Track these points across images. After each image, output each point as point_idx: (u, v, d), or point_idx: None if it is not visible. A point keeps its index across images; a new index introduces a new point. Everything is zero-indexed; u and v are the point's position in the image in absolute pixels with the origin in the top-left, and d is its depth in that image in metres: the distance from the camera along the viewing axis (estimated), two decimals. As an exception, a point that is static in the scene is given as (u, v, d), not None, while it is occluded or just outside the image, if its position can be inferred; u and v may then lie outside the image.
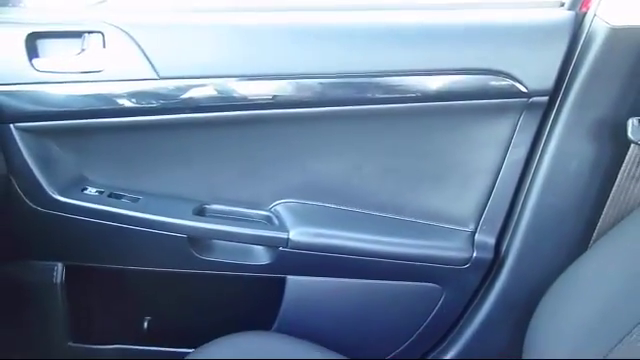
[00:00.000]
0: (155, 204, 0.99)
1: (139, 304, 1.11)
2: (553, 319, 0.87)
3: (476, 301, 1.04)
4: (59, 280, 1.03)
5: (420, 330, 1.05)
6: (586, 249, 0.89)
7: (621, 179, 0.87)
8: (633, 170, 0.86)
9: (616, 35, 0.86)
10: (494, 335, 1.03)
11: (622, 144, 0.87)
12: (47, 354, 1.09)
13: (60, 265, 1.03)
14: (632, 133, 0.85)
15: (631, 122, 0.85)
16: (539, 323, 0.89)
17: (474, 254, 1.00)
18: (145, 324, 1.12)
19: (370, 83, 0.94)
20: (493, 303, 1.02)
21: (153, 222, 0.97)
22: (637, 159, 0.86)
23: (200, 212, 1.00)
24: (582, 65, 0.89)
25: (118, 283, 1.07)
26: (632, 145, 0.85)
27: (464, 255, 1.00)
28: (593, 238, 0.91)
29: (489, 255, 1.01)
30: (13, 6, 0.99)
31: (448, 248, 1.01)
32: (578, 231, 0.94)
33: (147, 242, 0.98)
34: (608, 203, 0.89)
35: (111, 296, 1.10)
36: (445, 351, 1.07)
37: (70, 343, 1.08)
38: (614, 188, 0.88)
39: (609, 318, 0.77)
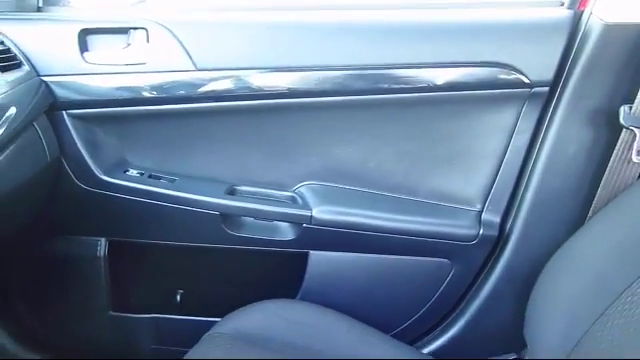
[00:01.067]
0: (190, 184, 1.09)
1: (174, 277, 1.21)
2: (551, 289, 0.95)
3: (483, 275, 1.13)
4: (102, 254, 1.13)
5: (431, 302, 1.14)
6: (582, 225, 0.97)
7: (614, 161, 0.96)
8: (625, 153, 0.95)
9: (610, 31, 0.95)
10: (499, 306, 1.11)
11: (615, 129, 0.95)
12: (90, 322, 1.19)
13: (103, 240, 1.13)
14: (624, 119, 0.93)
15: (623, 109, 0.94)
16: (539, 293, 0.98)
17: (481, 231, 1.09)
18: (178, 296, 1.23)
19: (385, 75, 1.03)
20: (498, 276, 1.10)
21: (189, 200, 1.07)
22: (628, 143, 0.94)
23: (231, 192, 1.10)
24: (579, 58, 0.98)
25: (156, 257, 1.18)
26: (624, 130, 0.94)
27: (472, 232, 1.09)
28: (589, 215, 0.99)
29: (494, 232, 1.09)
30: (64, 5, 1.10)
31: (457, 226, 1.09)
32: (575, 209, 1.02)
33: (183, 219, 1.08)
34: (602, 183, 0.97)
35: (149, 269, 1.20)
36: (454, 321, 1.15)
37: (111, 312, 1.18)
38: (608, 170, 0.96)
39: (601, 285, 0.85)
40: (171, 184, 1.08)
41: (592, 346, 0.82)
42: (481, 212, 1.11)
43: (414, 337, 1.17)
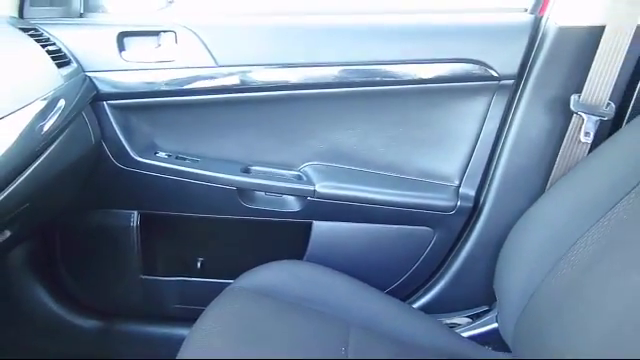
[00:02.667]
0: (211, 164, 1.28)
1: (196, 244, 1.39)
2: (516, 248, 1.12)
3: (461, 240, 1.31)
4: (135, 225, 1.32)
5: (417, 264, 1.32)
6: (542, 194, 1.15)
7: (567, 141, 1.14)
8: (575, 134, 1.13)
9: (563, 33, 1.13)
10: (475, 266, 1.28)
11: (567, 115, 1.14)
12: (123, 284, 1.37)
13: (136, 213, 1.32)
14: (573, 106, 1.12)
15: (573, 98, 1.12)
16: (505, 253, 1.15)
17: (458, 203, 1.27)
18: (199, 263, 1.41)
19: (376, 70, 1.22)
20: (474, 241, 1.28)
21: (209, 177, 1.25)
22: (578, 126, 1.13)
23: (246, 170, 1.29)
24: (539, 55, 1.16)
25: (180, 227, 1.36)
26: (574, 115, 1.13)
27: (450, 204, 1.27)
28: (547, 186, 1.17)
29: (470, 204, 1.28)
30: (102, 12, 1.29)
31: (438, 198, 1.28)
32: (537, 182, 1.20)
33: (204, 193, 1.26)
34: (558, 160, 1.15)
35: (174, 238, 1.39)
36: (438, 280, 1.33)
37: (141, 275, 1.36)
38: (562, 148, 1.15)
39: (556, 241, 1.01)
40: (194, 164, 1.27)
41: (546, 292, 1.00)
42: (458, 186, 1.29)
43: (405, 294, 1.35)
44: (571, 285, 0.96)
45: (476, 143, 1.26)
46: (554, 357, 0.91)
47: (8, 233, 0.97)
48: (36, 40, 1.10)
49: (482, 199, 1.27)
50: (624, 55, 1.08)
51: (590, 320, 0.86)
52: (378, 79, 1.22)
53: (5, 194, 0.83)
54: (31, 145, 0.91)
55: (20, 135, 0.87)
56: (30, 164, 0.91)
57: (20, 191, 0.87)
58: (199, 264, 1.40)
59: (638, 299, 0.80)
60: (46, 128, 0.95)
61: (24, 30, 1.11)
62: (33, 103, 0.93)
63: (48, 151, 0.97)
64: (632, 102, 1.16)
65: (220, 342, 0.96)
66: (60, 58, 1.13)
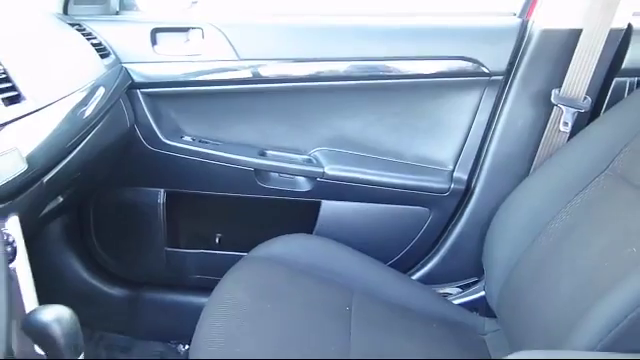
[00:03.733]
0: (231, 147, 1.42)
1: (216, 219, 1.54)
2: (501, 227, 1.26)
3: (454, 220, 1.45)
4: (161, 202, 1.47)
5: (414, 240, 1.46)
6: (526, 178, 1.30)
7: (548, 130, 1.29)
8: (556, 124, 1.28)
9: (546, 34, 1.28)
10: (466, 243, 1.42)
11: (549, 107, 1.28)
12: (150, 255, 1.52)
13: (162, 191, 1.47)
14: (554, 99, 1.27)
15: (554, 92, 1.27)
16: (492, 231, 1.29)
17: (452, 186, 1.41)
18: (217, 239, 1.56)
19: (379, 65, 1.37)
20: (465, 220, 1.42)
21: (229, 159, 1.40)
22: (558, 117, 1.27)
23: (262, 154, 1.44)
24: (525, 54, 1.30)
25: (202, 204, 1.51)
26: (554, 107, 1.28)
27: (445, 186, 1.42)
28: (531, 171, 1.32)
29: (462, 186, 1.42)
30: (136, 10, 1.44)
31: (434, 181, 1.42)
32: (522, 167, 1.34)
33: (225, 174, 1.41)
34: (540, 147, 1.30)
35: (196, 214, 1.54)
36: (434, 255, 1.47)
37: (166, 248, 1.51)
38: (544, 137, 1.29)
39: (536, 219, 1.16)
40: (216, 147, 1.42)
41: (527, 262, 1.14)
42: (452, 171, 1.43)
43: (404, 267, 1.49)
44: (547, 254, 1.10)
45: (468, 132, 1.41)
46: (532, 314, 1.06)
47: (61, 199, 1.12)
48: (82, 34, 1.25)
49: (473, 182, 1.41)
50: (599, 55, 1.23)
51: (562, 279, 1.01)
52: (381, 74, 1.37)
53: (63, 164, 0.98)
54: (79, 125, 1.05)
55: (72, 114, 1.01)
56: (80, 142, 1.06)
57: (74, 163, 1.02)
58: (218, 238, 1.55)
59: (602, 259, 0.95)
60: (89, 112, 1.10)
61: (71, 25, 1.26)
62: (83, 88, 1.08)
63: (94, 130, 1.12)
64: (607, 97, 1.31)
65: (243, 295, 1.11)
66: (101, 50, 1.28)
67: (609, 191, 1.08)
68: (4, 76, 0.84)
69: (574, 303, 0.93)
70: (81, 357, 0.74)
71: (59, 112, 0.98)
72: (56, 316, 0.70)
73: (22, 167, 0.76)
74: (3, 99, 0.80)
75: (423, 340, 1.17)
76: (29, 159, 0.80)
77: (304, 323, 1.08)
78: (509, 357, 0.74)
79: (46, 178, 0.91)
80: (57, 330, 0.70)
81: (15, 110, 0.82)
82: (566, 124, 1.27)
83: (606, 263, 0.93)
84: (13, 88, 0.84)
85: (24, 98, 0.85)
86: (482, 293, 1.35)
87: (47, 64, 1.04)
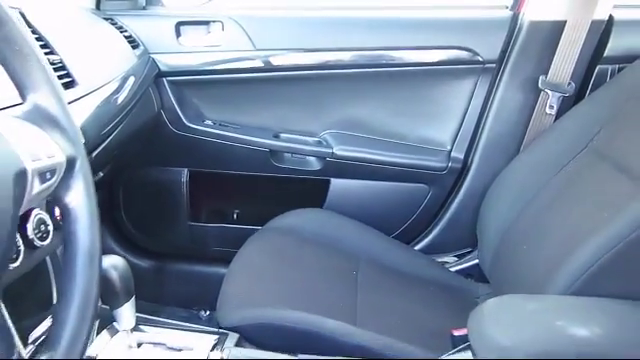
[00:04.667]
0: (248, 130, 1.56)
1: (235, 196, 1.69)
2: (493, 201, 1.39)
3: (451, 195, 1.58)
4: (185, 180, 1.61)
5: (416, 214, 1.60)
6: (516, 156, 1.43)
7: (536, 113, 1.42)
8: (543, 108, 1.41)
9: (535, 26, 1.41)
10: (462, 216, 1.55)
11: (537, 92, 1.42)
12: (174, 229, 1.66)
13: (186, 170, 1.61)
14: (541, 84, 1.40)
15: (541, 78, 1.41)
16: (485, 205, 1.41)
17: (449, 164, 1.55)
18: (235, 214, 1.71)
19: (383, 55, 1.51)
20: (462, 196, 1.55)
21: (247, 141, 1.54)
22: (544, 101, 1.41)
23: (276, 136, 1.57)
24: (516, 44, 1.44)
25: (222, 182, 1.65)
26: (541, 92, 1.41)
27: (443, 165, 1.55)
28: (520, 150, 1.45)
29: (459, 165, 1.55)
30: (161, 5, 1.57)
31: (433, 160, 1.55)
32: (512, 147, 1.47)
33: (243, 154, 1.55)
34: (529, 128, 1.43)
35: (216, 191, 1.68)
36: (433, 228, 1.60)
37: (189, 222, 1.66)
38: (532, 119, 1.43)
39: (522, 193, 1.28)
40: (235, 130, 1.56)
41: (515, 230, 1.27)
42: (450, 151, 1.56)
43: (406, 239, 1.61)
44: (533, 222, 1.23)
45: (465, 115, 1.54)
46: (519, 275, 1.19)
47: (101, 174, 1.26)
48: (115, 27, 1.39)
49: (469, 161, 1.55)
50: (582, 44, 1.36)
51: (544, 242, 1.14)
52: (384, 62, 1.51)
53: (106, 142, 1.12)
54: (116, 109, 1.19)
55: (111, 99, 1.16)
56: (119, 124, 1.20)
57: (113, 142, 1.16)
58: (235, 214, 1.69)
59: (579, 223, 1.07)
60: (122, 98, 1.23)
61: (104, 19, 1.40)
62: (118, 77, 1.23)
63: (130, 114, 1.26)
64: (591, 83, 1.44)
65: (260, 260, 1.26)
66: (131, 42, 1.42)
67: (588, 166, 1.21)
68: (61, 65, 0.98)
69: (552, 260, 1.05)
70: (132, 298, 0.88)
71: (101, 97, 1.12)
72: (112, 263, 0.85)
73: (82, 141, 0.90)
74: (62, 84, 0.94)
75: (422, 302, 1.30)
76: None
77: (316, 283, 1.22)
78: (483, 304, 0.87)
79: (94, 154, 1.05)
80: (114, 274, 0.85)
81: (71, 94, 0.96)
82: (552, 107, 1.40)
83: (582, 226, 1.06)
84: (68, 75, 0.98)
85: (77, 84, 1.00)
86: (476, 261, 1.48)
87: (90, 54, 1.18)
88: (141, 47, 1.45)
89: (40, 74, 0.55)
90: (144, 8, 1.55)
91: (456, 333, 0.96)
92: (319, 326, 1.02)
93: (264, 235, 1.40)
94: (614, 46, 1.41)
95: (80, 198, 0.57)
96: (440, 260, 1.56)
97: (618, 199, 1.01)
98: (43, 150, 0.53)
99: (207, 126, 1.55)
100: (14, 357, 0.46)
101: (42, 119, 0.55)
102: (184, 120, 1.53)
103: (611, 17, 1.40)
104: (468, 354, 0.88)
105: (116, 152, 1.25)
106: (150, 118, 1.47)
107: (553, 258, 1.02)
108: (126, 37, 1.40)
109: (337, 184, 1.59)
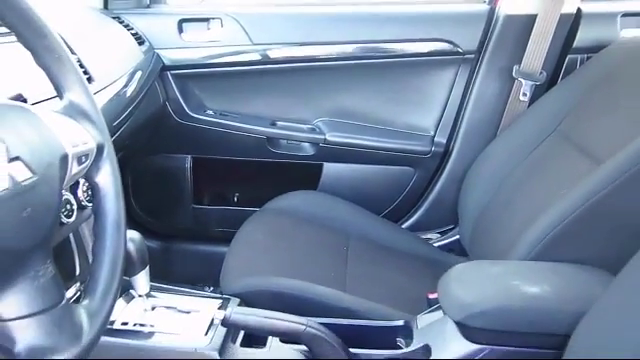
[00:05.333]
0: (247, 119, 1.69)
1: (235, 180, 1.82)
2: (473, 179, 1.51)
3: (435, 177, 1.70)
4: (188, 166, 1.74)
5: (402, 195, 1.72)
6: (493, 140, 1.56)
7: (511, 100, 1.54)
8: (517, 95, 1.53)
9: (509, 19, 1.53)
10: (445, 196, 1.67)
11: (511, 80, 1.54)
12: (179, 212, 1.79)
13: (189, 157, 1.74)
14: (515, 73, 1.53)
15: (515, 67, 1.53)
16: (466, 183, 1.53)
17: (433, 148, 1.67)
18: (235, 197, 1.84)
19: (373, 47, 1.63)
20: (444, 177, 1.67)
21: (246, 129, 1.67)
22: (518, 88, 1.53)
23: (273, 124, 1.70)
24: (492, 36, 1.55)
25: (222, 168, 1.78)
26: (515, 80, 1.53)
27: (427, 149, 1.67)
28: (497, 134, 1.58)
29: (442, 149, 1.67)
30: (164, 3, 1.69)
31: (418, 145, 1.67)
32: (490, 131, 1.59)
33: (241, 141, 1.68)
34: (505, 114, 1.56)
35: (218, 176, 1.81)
36: (419, 207, 1.73)
37: (193, 205, 1.79)
38: (507, 106, 1.55)
39: (499, 171, 1.40)
40: (234, 118, 1.68)
41: (491, 207, 1.40)
42: (433, 136, 1.69)
43: (395, 217, 1.74)
44: (506, 200, 1.36)
45: (447, 103, 1.67)
46: (492, 247, 1.32)
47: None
48: (122, 25, 1.51)
49: (451, 145, 1.67)
50: (551, 36, 1.48)
51: (514, 217, 1.26)
52: (372, 54, 1.63)
53: (116, 135, 1.24)
54: (126, 102, 1.31)
55: (121, 93, 1.28)
56: (130, 116, 1.32)
57: (125, 132, 1.29)
58: (236, 197, 1.82)
59: (544, 199, 1.18)
60: (130, 91, 1.36)
61: (113, 18, 1.52)
62: (127, 72, 1.35)
63: (139, 106, 1.39)
64: (562, 71, 1.56)
65: (259, 236, 1.38)
66: (138, 39, 1.54)
67: (554, 148, 1.33)
68: (79, 63, 1.10)
69: (517, 231, 1.17)
70: (146, 267, 1.01)
71: (113, 91, 1.24)
72: (130, 237, 0.98)
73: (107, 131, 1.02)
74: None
75: (406, 273, 1.43)
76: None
77: (309, 256, 1.35)
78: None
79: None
80: (131, 247, 0.97)
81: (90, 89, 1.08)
82: (525, 95, 1.52)
83: (543, 200, 1.19)
84: (86, 72, 1.11)
85: (94, 80, 1.12)
86: (457, 237, 1.61)
87: (101, 52, 1.30)
88: (146, 43, 1.57)
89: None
90: (148, 6, 1.67)
91: (431, 296, 1.09)
92: (312, 292, 1.15)
93: (262, 215, 1.52)
94: (582, 37, 1.53)
95: (108, 178, 0.70)
96: (424, 237, 1.69)
97: (575, 176, 1.13)
98: (79, 138, 0.65)
99: (209, 115, 1.68)
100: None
101: (76, 113, 0.68)
102: (187, 110, 1.66)
103: (579, 10, 1.52)
104: (440, 313, 1.01)
105: (127, 142, 1.37)
106: (156, 109, 1.59)
107: (517, 229, 1.15)
108: (133, 34, 1.52)
109: (330, 168, 1.72)
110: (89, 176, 0.69)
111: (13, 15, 0.61)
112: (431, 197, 1.71)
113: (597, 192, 1.02)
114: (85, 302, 0.63)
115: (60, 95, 0.68)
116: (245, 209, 1.74)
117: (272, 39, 1.63)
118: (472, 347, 0.90)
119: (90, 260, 0.78)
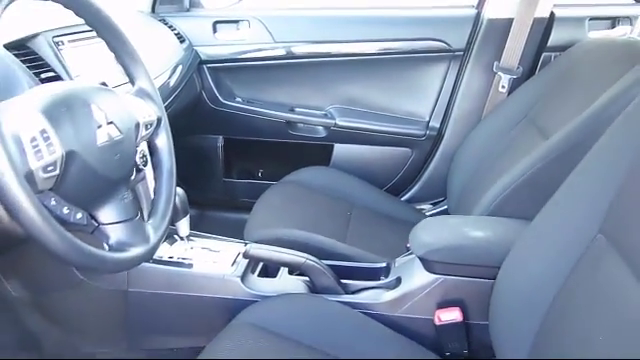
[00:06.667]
0: (269, 105, 2.00)
1: (259, 157, 2.13)
2: (460, 158, 1.78)
3: (429, 157, 1.98)
4: (220, 145, 2.06)
5: (401, 172, 2.01)
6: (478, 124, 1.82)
7: (492, 90, 1.81)
8: (497, 87, 1.80)
9: (491, 22, 1.80)
10: (438, 173, 1.94)
11: (492, 74, 1.81)
12: (211, 185, 2.11)
13: (221, 137, 2.05)
14: (495, 68, 1.79)
15: (495, 63, 1.79)
16: (454, 162, 1.81)
17: (427, 132, 1.95)
18: (260, 172, 2.15)
19: (375, 45, 1.91)
20: (438, 157, 1.95)
21: (268, 114, 1.97)
22: (498, 81, 1.79)
23: (291, 110, 2.00)
24: (478, 36, 1.82)
25: (248, 147, 2.09)
26: (496, 74, 1.80)
27: (422, 132, 1.95)
28: (482, 119, 1.84)
29: (435, 132, 1.95)
30: (201, 7, 2.01)
31: (415, 129, 1.96)
32: (475, 117, 1.85)
33: (265, 124, 1.98)
34: (487, 103, 1.83)
35: (245, 154, 2.12)
36: (416, 182, 2.01)
37: (224, 179, 2.10)
38: (489, 96, 1.82)
39: (482, 151, 1.67)
40: (259, 105, 1.99)
41: (469, 184, 1.67)
42: (428, 121, 1.97)
43: (395, 191, 2.02)
44: (482, 174, 1.62)
45: (439, 93, 1.94)
46: (469, 209, 1.59)
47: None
48: (167, 26, 1.83)
49: (443, 129, 1.95)
50: (526, 37, 1.74)
51: (491, 185, 1.52)
52: (377, 51, 1.92)
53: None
54: (169, 90, 1.63)
55: (166, 83, 1.59)
56: (174, 102, 1.63)
57: (170, 116, 1.59)
58: (260, 172, 2.14)
59: (506, 166, 1.46)
60: (173, 82, 1.67)
61: (159, 20, 1.84)
62: (171, 66, 1.66)
63: (179, 96, 1.70)
64: (538, 67, 1.82)
65: (278, 199, 1.68)
66: (179, 38, 1.85)
67: (523, 131, 1.59)
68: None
69: (480, 192, 1.43)
70: (187, 215, 1.32)
71: (160, 82, 1.55)
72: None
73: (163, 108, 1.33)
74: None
75: (399, 234, 1.71)
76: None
77: (318, 216, 1.63)
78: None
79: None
80: (176, 199, 1.28)
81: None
82: (504, 87, 1.79)
83: (504, 169, 1.45)
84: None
85: (147, 72, 1.43)
86: (445, 207, 1.89)
87: (151, 48, 1.61)
88: (186, 41, 1.88)
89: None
90: (188, 10, 1.99)
91: (408, 245, 1.37)
92: (315, 240, 1.44)
93: (281, 186, 1.82)
94: (556, 37, 1.79)
95: (164, 140, 1.01)
96: (419, 207, 1.97)
97: (529, 150, 1.40)
98: (145, 112, 0.96)
99: (237, 102, 1.99)
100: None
101: (144, 95, 0.98)
102: (220, 98, 1.97)
103: (553, 14, 1.78)
104: (412, 256, 1.29)
105: (169, 124, 1.69)
106: (194, 97, 1.91)
107: (481, 192, 1.42)
108: (175, 34, 1.84)
109: (339, 148, 2.02)
110: (152, 139, 1.00)
111: (105, 30, 0.93)
112: (426, 174, 2.00)
113: (539, 162, 1.29)
114: (150, 220, 0.94)
115: (132, 82, 0.99)
116: (268, 182, 2.03)
117: (291, 38, 1.93)
118: (431, 277, 1.19)
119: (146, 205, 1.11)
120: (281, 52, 1.93)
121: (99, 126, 0.82)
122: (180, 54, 1.77)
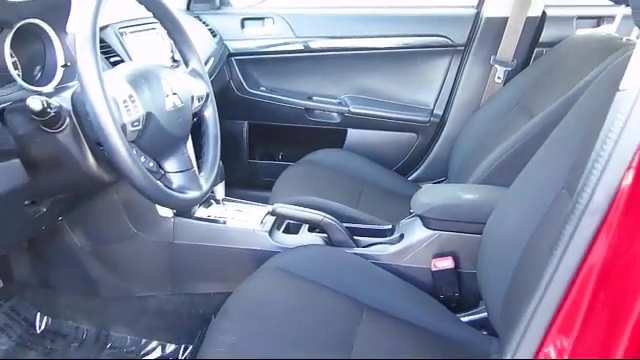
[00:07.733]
0: (290, 93, 2.23)
1: (281, 141, 2.36)
2: (460, 141, 2.01)
3: (434, 141, 2.20)
4: (245, 130, 2.30)
5: (408, 154, 2.23)
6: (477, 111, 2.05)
7: (489, 81, 2.03)
8: (494, 78, 2.02)
9: (489, 20, 2.02)
10: (440, 156, 2.15)
11: (489, 67, 2.03)
12: (236, 166, 2.34)
13: (246, 123, 2.29)
14: (492, 61, 2.01)
15: (492, 57, 2.02)
16: (455, 145, 2.04)
17: (432, 119, 2.17)
18: (280, 155, 2.38)
19: (385, 40, 2.14)
20: (441, 140, 2.16)
21: (289, 101, 2.21)
22: (495, 73, 2.02)
23: (310, 98, 2.23)
24: (477, 33, 2.04)
25: (271, 132, 2.32)
26: (492, 67, 2.02)
27: (427, 119, 2.17)
28: (480, 107, 2.07)
29: (439, 119, 2.17)
30: (230, 5, 2.25)
31: (420, 115, 2.18)
32: (474, 105, 2.07)
33: (286, 110, 2.22)
34: (485, 93, 2.04)
35: (267, 137, 2.35)
36: (422, 163, 2.22)
37: (248, 160, 2.34)
38: (487, 86, 2.04)
39: (478, 134, 1.91)
40: (281, 93, 2.23)
41: (466, 165, 1.89)
42: (433, 109, 2.19)
43: (404, 172, 2.24)
44: (479, 155, 1.85)
45: (443, 83, 2.16)
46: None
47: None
48: (201, 22, 2.07)
49: (446, 116, 2.16)
50: (520, 33, 1.96)
51: (481, 159, 1.76)
52: (386, 46, 2.14)
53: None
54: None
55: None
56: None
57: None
58: (280, 155, 2.37)
59: (497, 145, 1.69)
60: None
61: (194, 17, 2.08)
62: (205, 59, 1.90)
63: (212, 84, 1.93)
64: (531, 60, 2.04)
65: (297, 176, 1.92)
66: (212, 33, 2.09)
67: (515, 116, 1.81)
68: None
69: (475, 165, 1.65)
70: (223, 181, 1.56)
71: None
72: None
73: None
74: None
75: (404, 207, 1.94)
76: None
77: (333, 188, 1.85)
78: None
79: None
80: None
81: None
82: (499, 78, 2.01)
83: (497, 146, 1.67)
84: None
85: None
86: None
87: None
88: (217, 36, 2.12)
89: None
90: (219, 8, 2.23)
91: (411, 210, 1.59)
92: (329, 205, 1.66)
93: (299, 165, 2.05)
94: (547, 34, 2.01)
95: (211, 112, 1.25)
96: (422, 185, 2.18)
97: (518, 129, 1.62)
98: (197, 88, 1.19)
99: (262, 91, 2.23)
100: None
101: (196, 75, 1.22)
102: (246, 87, 2.21)
103: (544, 13, 2.00)
104: (414, 218, 1.52)
105: None
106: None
107: (475, 165, 1.65)
108: (208, 29, 2.08)
109: (353, 132, 2.24)
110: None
111: (168, 22, 1.16)
112: (430, 156, 2.22)
113: (524, 138, 1.51)
114: (202, 173, 1.18)
115: (186, 64, 1.23)
116: (287, 163, 2.26)
117: (311, 34, 2.16)
118: (429, 232, 1.41)
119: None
120: (301, 46, 2.17)
121: (167, 95, 1.06)
122: (212, 47, 2.00)
